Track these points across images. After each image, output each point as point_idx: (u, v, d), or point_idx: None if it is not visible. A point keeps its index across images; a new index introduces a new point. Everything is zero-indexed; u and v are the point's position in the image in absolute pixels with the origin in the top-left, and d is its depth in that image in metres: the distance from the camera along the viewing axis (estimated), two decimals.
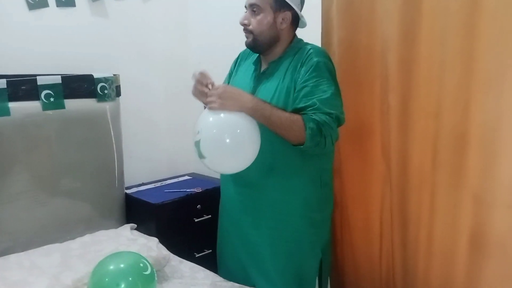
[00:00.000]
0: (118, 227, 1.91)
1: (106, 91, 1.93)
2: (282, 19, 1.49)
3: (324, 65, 1.44)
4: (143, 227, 1.96)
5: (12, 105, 1.68)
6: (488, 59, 1.31)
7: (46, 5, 1.92)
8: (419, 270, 1.57)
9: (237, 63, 1.70)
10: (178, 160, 2.51)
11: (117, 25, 2.18)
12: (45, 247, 1.66)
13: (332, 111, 1.38)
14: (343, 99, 1.48)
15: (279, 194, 1.51)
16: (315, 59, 1.43)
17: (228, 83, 1.67)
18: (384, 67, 1.57)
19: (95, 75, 1.91)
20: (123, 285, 1.32)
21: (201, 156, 1.35)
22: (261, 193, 1.52)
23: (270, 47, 1.51)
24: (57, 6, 1.95)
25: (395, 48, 1.52)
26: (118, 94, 2.02)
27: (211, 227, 2.17)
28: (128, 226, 1.86)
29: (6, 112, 1.66)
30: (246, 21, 1.49)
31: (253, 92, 1.51)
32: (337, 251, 1.86)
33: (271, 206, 1.52)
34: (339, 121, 1.43)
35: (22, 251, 1.64)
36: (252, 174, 1.46)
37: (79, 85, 1.87)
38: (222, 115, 1.36)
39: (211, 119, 1.37)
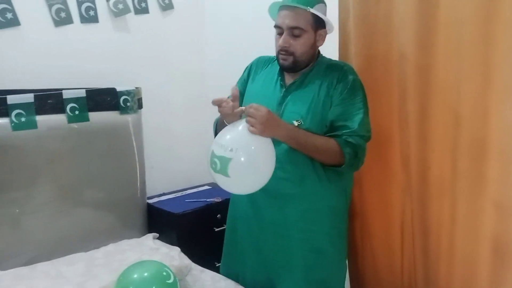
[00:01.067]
0: (140, 237, 1.95)
1: (128, 104, 1.98)
2: (319, 36, 1.50)
3: (358, 82, 1.50)
4: (165, 237, 1.99)
5: (38, 118, 1.74)
6: (505, 67, 1.30)
7: (71, 21, 1.99)
8: (441, 279, 1.56)
9: (252, 70, 1.69)
10: (198, 170, 2.55)
11: (138, 40, 2.25)
12: (69, 256, 1.70)
13: (366, 134, 1.47)
14: None
15: (309, 204, 1.52)
16: (350, 77, 1.48)
17: (243, 90, 1.66)
18: (402, 76, 1.57)
19: (118, 89, 1.96)
20: None
21: (223, 173, 1.30)
22: (291, 203, 1.52)
23: (307, 65, 1.53)
24: (81, 22, 2.03)
25: (412, 57, 1.53)
26: (140, 106, 2.07)
27: None
28: (150, 236, 1.89)
29: (33, 125, 1.72)
30: (287, 45, 1.45)
31: (282, 102, 1.52)
32: (358, 261, 1.85)
33: (301, 216, 1.53)
34: (368, 138, 1.50)
35: (48, 260, 1.68)
36: (284, 185, 1.49)
37: (103, 98, 1.92)
38: (261, 141, 1.33)
39: (252, 144, 1.32)
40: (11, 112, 1.68)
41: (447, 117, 1.47)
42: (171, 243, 1.88)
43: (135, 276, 1.40)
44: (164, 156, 2.40)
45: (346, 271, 1.71)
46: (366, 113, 1.48)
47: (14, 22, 1.83)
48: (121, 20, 2.16)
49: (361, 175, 1.75)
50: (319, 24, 1.48)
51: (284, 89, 1.54)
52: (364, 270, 1.83)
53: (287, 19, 1.44)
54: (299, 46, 1.45)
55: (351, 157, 1.43)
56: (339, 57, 1.75)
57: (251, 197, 1.58)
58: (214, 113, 1.56)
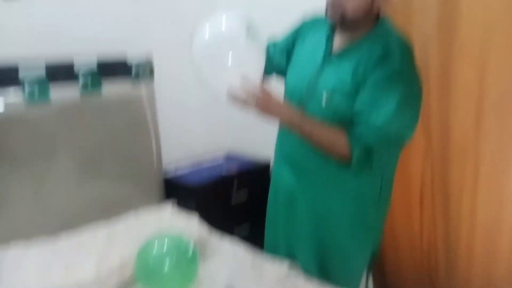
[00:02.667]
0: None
1: (140, 73, 1.96)
2: (381, 1, 1.25)
3: (403, 69, 1.25)
4: (182, 209, 1.99)
5: (51, 90, 1.72)
6: None
7: None
8: (462, 242, 1.55)
9: (300, 33, 1.49)
10: (214, 139, 2.53)
11: (151, 6, 2.18)
12: (91, 226, 1.72)
13: (391, 135, 1.24)
14: None
15: (332, 189, 1.39)
16: (397, 61, 1.24)
17: (285, 47, 1.52)
18: (423, 30, 1.51)
19: (129, 57, 1.94)
20: (167, 268, 1.36)
21: None
22: (310, 178, 1.42)
23: (358, 22, 1.29)
24: None
25: (433, 10, 1.46)
26: (151, 72, 2.04)
27: (248, 208, 2.18)
28: (169, 206, 1.90)
29: (46, 97, 1.71)
30: (337, 2, 1.24)
31: (320, 70, 1.35)
32: None
33: (312, 211, 1.42)
34: (399, 140, 1.28)
35: (70, 229, 1.70)
36: (308, 158, 1.39)
37: (115, 68, 1.90)
38: None
39: None
40: (24, 85, 1.67)
41: (471, 73, 1.41)
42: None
43: (155, 251, 1.40)
44: (179, 125, 2.37)
45: (364, 268, 1.58)
46: (402, 109, 1.21)
47: None
48: None
49: None
50: None
51: (326, 57, 1.36)
52: (383, 237, 1.82)
53: None
54: (351, 5, 1.23)
55: (360, 161, 1.24)
56: None
57: (281, 170, 1.52)
58: None
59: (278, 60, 1.55)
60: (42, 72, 1.69)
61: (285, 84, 1.51)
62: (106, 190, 1.91)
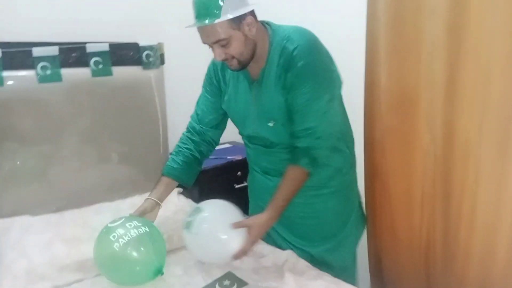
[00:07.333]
0: None
1: (151, 59, 1.98)
2: (248, 26, 1.36)
3: (310, 66, 1.38)
4: (186, 192, 2.03)
5: (63, 71, 1.76)
6: None
7: None
8: (460, 241, 1.55)
9: (219, 73, 1.62)
10: None
11: None
12: (96, 205, 1.77)
13: (326, 133, 1.44)
14: (387, 66, 1.49)
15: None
16: (300, 63, 1.36)
17: (214, 91, 1.66)
18: (431, 34, 1.51)
19: (141, 43, 1.96)
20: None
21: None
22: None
23: (253, 57, 1.43)
24: None
25: (443, 13, 1.46)
26: (162, 62, 2.06)
27: None
28: (175, 191, 1.92)
29: (58, 77, 1.75)
30: (223, 55, 1.38)
31: (253, 102, 1.51)
32: (376, 222, 1.86)
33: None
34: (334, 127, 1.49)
35: (75, 208, 1.75)
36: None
37: (126, 53, 1.93)
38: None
39: None
40: (37, 65, 1.70)
41: (477, 78, 1.41)
42: (193, 198, 1.93)
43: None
44: (187, 112, 2.40)
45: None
46: (328, 101, 1.42)
47: None
48: None
49: (384, 136, 1.73)
50: (239, 18, 1.33)
51: (252, 88, 1.50)
52: (382, 230, 1.84)
53: (206, 37, 1.36)
54: (234, 51, 1.37)
55: (311, 166, 1.44)
56: (367, 16, 1.68)
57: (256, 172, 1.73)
58: None
59: (217, 112, 1.68)
60: (55, 53, 1.73)
61: (230, 116, 1.65)
62: (111, 172, 1.96)
